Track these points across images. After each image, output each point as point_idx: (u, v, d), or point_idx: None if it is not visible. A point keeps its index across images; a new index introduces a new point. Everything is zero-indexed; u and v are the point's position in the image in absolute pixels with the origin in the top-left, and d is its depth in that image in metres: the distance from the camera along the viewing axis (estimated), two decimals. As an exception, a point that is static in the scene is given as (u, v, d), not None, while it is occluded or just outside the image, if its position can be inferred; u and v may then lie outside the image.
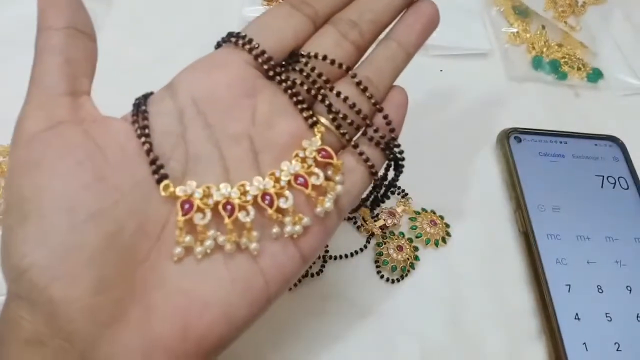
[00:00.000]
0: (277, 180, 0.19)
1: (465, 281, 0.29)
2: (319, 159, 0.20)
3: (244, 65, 0.20)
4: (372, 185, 0.23)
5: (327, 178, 0.20)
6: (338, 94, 0.21)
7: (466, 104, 0.38)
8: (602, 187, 0.33)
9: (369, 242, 0.30)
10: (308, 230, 0.20)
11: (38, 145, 0.17)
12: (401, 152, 0.24)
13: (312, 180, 0.19)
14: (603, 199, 0.32)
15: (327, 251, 0.29)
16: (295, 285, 0.28)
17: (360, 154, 0.21)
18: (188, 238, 0.18)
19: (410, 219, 0.31)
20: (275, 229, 0.19)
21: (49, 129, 0.17)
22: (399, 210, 0.31)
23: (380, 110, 0.22)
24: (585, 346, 0.26)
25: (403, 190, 0.32)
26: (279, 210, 0.19)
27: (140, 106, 0.19)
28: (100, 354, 0.16)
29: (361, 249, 0.30)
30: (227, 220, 0.18)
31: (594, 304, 0.28)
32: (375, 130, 0.22)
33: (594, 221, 0.31)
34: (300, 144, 0.20)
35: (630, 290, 0.28)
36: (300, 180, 0.19)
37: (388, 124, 0.22)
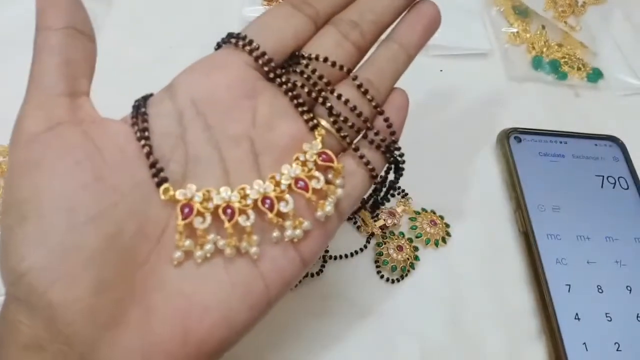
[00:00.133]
0: (278, 183, 0.19)
1: (465, 281, 0.29)
2: (320, 162, 0.20)
3: (244, 66, 0.20)
4: (372, 188, 0.23)
5: (327, 181, 0.20)
6: (339, 97, 0.21)
7: (466, 104, 0.38)
8: (602, 187, 0.33)
9: (369, 242, 0.30)
10: (308, 234, 0.19)
11: (37, 145, 0.17)
12: (401, 155, 0.24)
13: (313, 184, 0.19)
14: (603, 199, 0.32)
15: (327, 251, 0.29)
16: (296, 285, 0.28)
17: (361, 157, 0.21)
18: (188, 242, 0.18)
19: (410, 219, 0.31)
20: (275, 233, 0.19)
21: (48, 129, 0.17)
22: (399, 210, 0.31)
23: (381, 113, 0.22)
24: (585, 346, 0.26)
25: (403, 190, 0.32)
26: (279, 214, 0.19)
27: (140, 108, 0.19)
28: (100, 356, 0.16)
29: (361, 249, 0.30)
30: (227, 224, 0.18)
31: (594, 304, 0.28)
32: (376, 133, 0.22)
33: (594, 221, 0.31)
34: (301, 146, 0.20)
35: (630, 290, 0.28)
36: (301, 184, 0.19)
37: (389, 126, 0.22)
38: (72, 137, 0.17)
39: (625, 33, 0.44)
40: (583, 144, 0.35)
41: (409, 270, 0.29)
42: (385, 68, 0.23)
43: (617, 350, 0.26)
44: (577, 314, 0.27)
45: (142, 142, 0.18)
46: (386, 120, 0.22)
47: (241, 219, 0.18)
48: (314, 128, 0.21)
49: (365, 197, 0.26)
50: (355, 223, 0.31)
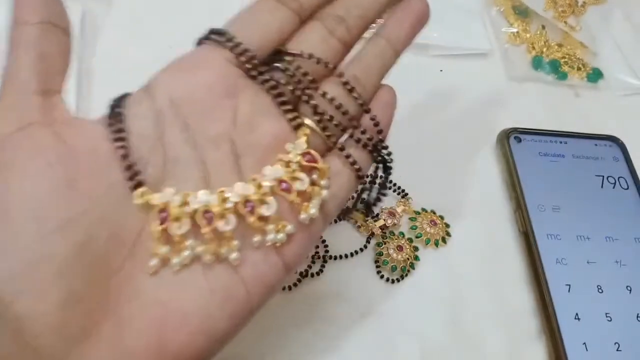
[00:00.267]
0: (259, 186, 0.18)
1: (465, 281, 0.29)
2: (304, 162, 0.19)
3: (225, 63, 0.20)
4: (361, 188, 0.23)
5: (312, 182, 0.19)
6: (324, 95, 0.21)
7: (466, 104, 0.38)
8: (602, 187, 0.33)
9: (369, 242, 0.30)
10: (292, 238, 0.19)
11: (7, 146, 0.16)
12: (389, 154, 0.23)
13: (296, 185, 0.19)
14: (603, 199, 0.32)
15: (327, 251, 0.29)
16: (295, 285, 0.28)
17: (347, 156, 0.21)
18: (164, 249, 0.17)
19: (410, 219, 0.31)
20: (256, 238, 0.18)
21: (19, 130, 0.16)
22: (399, 210, 0.31)
23: (368, 111, 0.21)
24: (585, 346, 0.26)
25: (403, 190, 0.32)
26: (261, 217, 0.18)
27: (116, 108, 0.19)
28: None
29: (361, 249, 0.30)
30: (205, 229, 0.17)
31: (594, 304, 0.28)
32: (363, 132, 0.21)
33: (594, 221, 0.31)
34: (284, 146, 0.19)
35: (630, 290, 0.28)
36: (284, 185, 0.19)
37: (376, 125, 0.22)
38: (44, 138, 0.17)
39: (625, 33, 0.44)
40: (583, 144, 0.35)
41: (409, 270, 0.29)
42: (372, 64, 0.22)
43: (617, 350, 0.26)
44: (577, 314, 0.27)
45: (118, 143, 0.17)
46: (373, 118, 0.21)
47: (220, 224, 0.17)
48: (297, 127, 0.20)
49: (355, 199, 0.26)
50: (355, 223, 0.31)
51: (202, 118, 0.19)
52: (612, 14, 0.45)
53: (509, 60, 0.41)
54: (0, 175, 0.16)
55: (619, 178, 0.33)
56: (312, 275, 0.29)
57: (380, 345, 0.27)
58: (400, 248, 0.30)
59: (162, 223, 0.17)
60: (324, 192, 0.19)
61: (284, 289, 0.28)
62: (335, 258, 0.29)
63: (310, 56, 0.20)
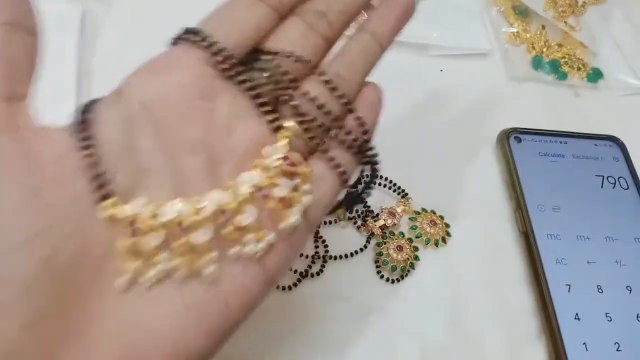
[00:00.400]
0: (236, 193, 0.17)
1: (465, 281, 0.29)
2: (285, 167, 0.18)
3: (200, 64, 0.19)
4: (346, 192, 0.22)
5: (294, 188, 0.18)
6: (305, 94, 0.19)
7: (466, 104, 0.38)
8: (602, 187, 0.33)
9: (369, 242, 0.30)
10: (273, 247, 0.18)
11: None
12: (375, 155, 0.22)
13: (276, 191, 0.18)
14: (603, 199, 0.32)
15: (327, 251, 0.29)
16: (295, 285, 0.28)
17: (331, 159, 0.20)
18: (134, 264, 0.16)
19: (410, 219, 0.31)
20: (234, 249, 0.17)
21: None
22: (399, 210, 0.31)
23: (352, 110, 0.20)
24: (585, 346, 0.26)
25: (403, 190, 0.32)
26: (239, 227, 0.17)
27: (85, 113, 0.17)
28: None
29: (361, 249, 0.30)
30: (179, 241, 0.16)
31: (594, 304, 0.28)
32: (347, 133, 0.20)
33: (594, 221, 0.31)
34: (264, 150, 0.18)
35: (630, 290, 0.28)
36: (262, 192, 0.17)
37: (361, 125, 0.20)
38: (7, 146, 0.15)
39: (625, 33, 0.44)
40: (583, 144, 0.35)
41: (409, 270, 0.29)
42: (356, 61, 0.21)
43: (617, 350, 0.26)
44: (577, 314, 0.27)
45: (85, 152, 0.16)
46: (358, 118, 0.20)
47: (195, 235, 0.16)
48: (278, 130, 0.19)
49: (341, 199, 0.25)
50: (355, 223, 0.31)
51: (176, 122, 0.18)
52: (612, 14, 0.45)
53: (509, 60, 0.41)
54: None
55: (619, 178, 0.33)
56: (312, 275, 0.29)
57: (380, 345, 0.27)
58: (400, 248, 0.30)
59: (131, 237, 0.16)
60: (306, 198, 0.18)
61: (284, 289, 0.28)
62: (335, 258, 0.29)
63: (290, 54, 0.19)
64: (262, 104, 0.19)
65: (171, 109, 0.18)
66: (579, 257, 0.29)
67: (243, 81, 0.19)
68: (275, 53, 0.20)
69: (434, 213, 0.32)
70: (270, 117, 0.19)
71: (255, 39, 0.20)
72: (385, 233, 0.30)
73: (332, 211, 0.29)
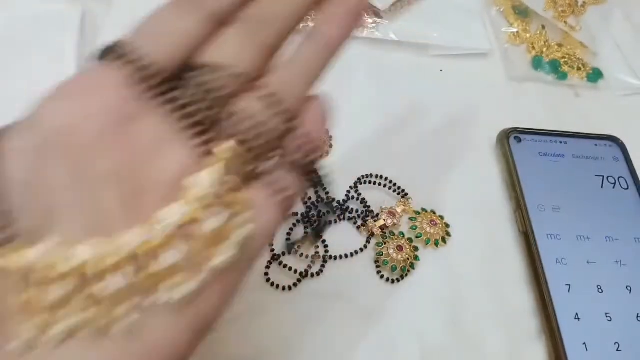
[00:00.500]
0: (157, 231, 0.15)
1: (465, 281, 0.29)
2: (219, 196, 0.16)
3: (122, 84, 0.16)
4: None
5: (229, 218, 0.16)
6: (243, 111, 0.17)
7: (466, 104, 0.38)
8: (602, 187, 0.33)
9: (369, 242, 0.30)
10: (204, 289, 0.15)
11: None
12: (323, 176, 0.20)
13: (206, 226, 0.15)
14: (603, 199, 0.32)
15: (327, 251, 0.29)
16: (295, 285, 0.28)
17: (273, 182, 0.17)
18: (32, 323, 0.13)
19: (410, 219, 0.31)
20: (153, 297, 0.14)
21: None
22: (399, 210, 0.31)
23: (296, 127, 0.18)
24: (585, 346, 0.26)
25: (403, 190, 0.32)
26: (160, 270, 0.14)
27: None
28: None
29: (361, 249, 0.30)
30: (88, 291, 0.14)
31: (594, 304, 0.28)
32: (291, 152, 0.18)
33: (594, 221, 0.31)
34: (192, 179, 0.16)
35: (630, 290, 0.28)
36: (188, 228, 0.15)
37: (305, 142, 0.18)
38: None
39: (625, 33, 0.44)
40: (583, 144, 0.35)
41: (409, 270, 0.29)
42: (301, 70, 0.19)
43: (617, 350, 0.26)
44: (577, 314, 0.27)
45: None
46: (302, 135, 0.18)
47: (108, 283, 0.14)
48: (210, 153, 0.16)
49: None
50: (355, 223, 0.31)
51: (92, 152, 0.15)
52: (612, 14, 0.45)
53: (509, 60, 0.41)
54: None
55: (619, 178, 0.33)
56: (312, 275, 0.29)
57: (380, 345, 0.27)
58: (400, 248, 0.30)
59: (28, 289, 0.14)
60: (244, 230, 0.16)
61: (283, 288, 0.28)
62: (335, 258, 0.29)
63: (226, 67, 0.17)
64: (193, 125, 0.17)
65: (86, 137, 0.15)
66: (579, 257, 0.29)
67: (171, 100, 0.17)
68: (209, 66, 0.17)
69: (434, 213, 0.32)
70: (201, 139, 0.17)
71: (188, 51, 0.17)
72: (385, 233, 0.30)
73: (294, 246, 0.27)
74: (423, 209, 0.32)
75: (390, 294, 0.29)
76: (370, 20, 0.40)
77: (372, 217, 0.31)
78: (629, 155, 0.34)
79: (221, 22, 0.18)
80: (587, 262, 0.29)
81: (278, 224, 0.18)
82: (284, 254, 0.29)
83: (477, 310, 0.28)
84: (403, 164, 0.34)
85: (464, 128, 0.36)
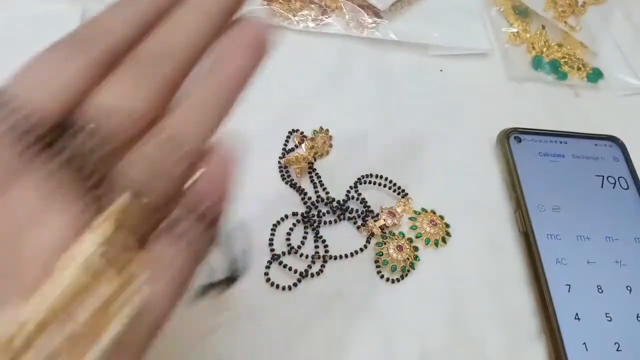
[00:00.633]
0: (32, 313, 0.12)
1: (465, 281, 0.29)
2: (110, 260, 0.13)
3: None
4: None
5: (121, 286, 0.13)
6: (137, 160, 0.15)
7: (466, 104, 0.38)
8: (602, 187, 0.33)
9: (369, 242, 0.30)
10: None
11: None
12: (226, 234, 0.18)
13: (91, 302, 0.13)
14: (603, 199, 0.32)
15: (327, 251, 0.29)
16: (295, 285, 0.28)
17: (177, 237, 0.15)
18: None
19: (410, 219, 0.31)
20: None
21: None
22: (399, 210, 0.31)
23: (195, 177, 0.16)
24: (585, 346, 0.26)
25: (403, 190, 0.32)
26: None
27: None
28: None
29: (361, 249, 0.30)
30: None
31: (594, 304, 0.28)
32: (194, 202, 0.16)
33: (594, 221, 0.31)
34: (76, 245, 0.13)
35: (630, 290, 0.28)
36: (74, 303, 0.13)
37: (207, 193, 0.16)
38: None
39: (625, 33, 0.44)
40: (583, 144, 0.35)
41: (409, 270, 0.29)
42: (203, 110, 0.17)
43: (617, 350, 0.26)
44: (577, 314, 0.27)
45: None
46: (205, 183, 0.16)
47: None
48: (100, 213, 0.14)
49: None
50: (355, 223, 0.31)
51: None
52: (612, 14, 0.45)
53: (509, 60, 0.41)
54: None
55: (619, 178, 0.33)
56: (312, 275, 0.29)
57: (380, 345, 0.27)
58: (400, 248, 0.30)
59: None
60: (134, 302, 0.13)
61: (283, 288, 0.28)
62: (335, 258, 0.29)
63: (119, 111, 0.15)
64: (82, 181, 0.14)
65: None
66: (579, 257, 0.29)
67: (55, 154, 0.14)
68: (100, 111, 0.15)
69: (434, 213, 0.32)
70: (91, 195, 0.14)
71: (76, 98, 0.15)
72: (385, 233, 0.30)
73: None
74: (423, 209, 0.32)
75: (390, 294, 0.29)
76: (370, 20, 0.40)
77: (372, 217, 0.31)
78: (629, 155, 0.34)
79: (113, 61, 0.16)
80: (587, 262, 0.29)
81: (182, 286, 0.15)
82: (283, 254, 0.29)
83: (477, 310, 0.28)
84: (403, 164, 0.34)
85: (464, 128, 0.36)
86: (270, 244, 0.29)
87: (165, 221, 0.16)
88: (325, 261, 0.29)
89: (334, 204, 0.31)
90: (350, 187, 0.32)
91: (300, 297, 0.28)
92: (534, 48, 0.42)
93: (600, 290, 0.28)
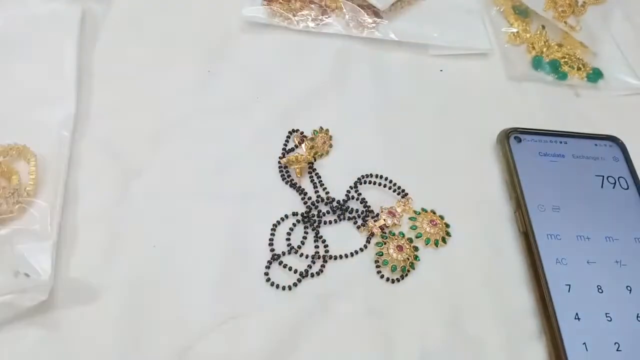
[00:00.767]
0: None
1: (465, 281, 0.29)
2: None
3: None
4: None
5: None
6: None
7: (466, 104, 0.38)
8: (602, 187, 0.33)
9: (369, 242, 0.30)
10: None
11: None
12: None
13: None
14: (603, 199, 0.32)
15: (327, 251, 0.29)
16: (295, 285, 0.28)
17: None
18: None
19: (410, 218, 0.31)
20: None
21: None
22: (399, 210, 0.31)
23: None
24: (585, 346, 0.26)
25: (403, 190, 0.32)
26: None
27: None
28: None
29: (361, 249, 0.30)
30: None
31: (594, 304, 0.28)
32: None
33: (594, 221, 0.31)
34: None
35: (630, 290, 0.28)
36: None
37: None
38: None
39: (625, 33, 0.44)
40: (583, 144, 0.35)
41: (409, 270, 0.29)
42: None
43: (617, 350, 0.26)
44: (577, 314, 0.27)
45: None
46: None
47: None
48: None
49: None
50: (355, 223, 0.31)
51: None
52: (612, 14, 0.45)
53: (509, 60, 0.41)
54: None
55: (619, 178, 0.33)
56: (312, 275, 0.29)
57: (380, 345, 0.27)
58: (400, 248, 0.30)
59: None
60: None
61: (283, 288, 0.28)
62: (335, 258, 0.29)
63: None
64: None
65: None
66: (579, 257, 0.29)
67: None
68: None
69: (434, 213, 0.32)
70: None
71: None
72: (385, 233, 0.30)
73: None
74: (423, 209, 0.32)
75: (390, 294, 0.29)
76: (370, 20, 0.40)
77: (372, 217, 0.31)
78: (629, 155, 0.34)
79: None
80: (587, 262, 0.29)
81: None
82: (283, 254, 0.29)
83: (477, 310, 0.28)
84: (403, 164, 0.34)
85: (464, 128, 0.36)
86: (270, 244, 0.29)
87: None
88: (325, 261, 0.29)
89: (334, 204, 0.31)
90: (350, 187, 0.32)
91: (300, 297, 0.28)
92: (534, 48, 0.42)
93: (600, 290, 0.28)
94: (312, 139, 0.34)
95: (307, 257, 0.29)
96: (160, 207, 0.30)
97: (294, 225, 0.30)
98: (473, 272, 0.30)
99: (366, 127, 0.36)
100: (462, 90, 0.39)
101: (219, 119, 0.35)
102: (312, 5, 0.41)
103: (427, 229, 0.31)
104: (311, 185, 0.32)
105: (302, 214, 0.31)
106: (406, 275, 0.29)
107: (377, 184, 0.32)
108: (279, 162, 0.33)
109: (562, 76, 0.40)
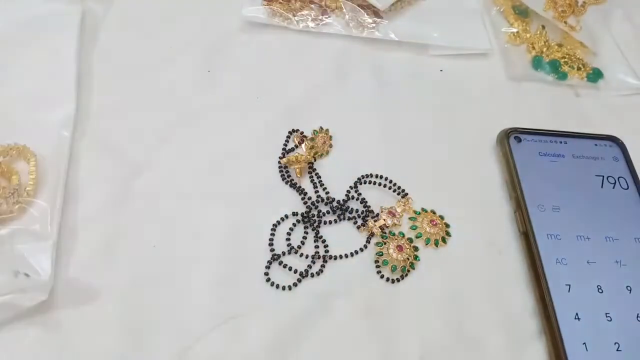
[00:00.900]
0: None
1: (465, 281, 0.29)
2: None
3: None
4: None
5: None
6: None
7: (466, 104, 0.38)
8: (602, 187, 0.33)
9: (369, 242, 0.30)
10: None
11: None
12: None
13: None
14: (603, 199, 0.32)
15: (327, 251, 0.29)
16: (295, 285, 0.28)
17: None
18: None
19: (410, 218, 0.31)
20: None
21: None
22: (399, 210, 0.31)
23: None
24: (585, 346, 0.26)
25: (403, 190, 0.32)
26: None
27: None
28: None
29: (361, 249, 0.30)
30: None
31: (594, 304, 0.28)
32: None
33: (594, 221, 0.31)
34: None
35: (630, 290, 0.28)
36: None
37: None
38: None
39: (625, 33, 0.44)
40: (583, 144, 0.35)
41: (409, 270, 0.29)
42: None
43: (617, 350, 0.26)
44: (577, 314, 0.27)
45: None
46: None
47: None
48: None
49: None
50: (355, 223, 0.31)
51: None
52: (612, 14, 0.45)
53: (508, 60, 0.41)
54: None
55: (619, 178, 0.33)
56: (312, 275, 0.29)
57: (380, 345, 0.27)
58: (400, 248, 0.30)
59: None
60: None
61: (283, 288, 0.28)
62: (335, 258, 0.29)
63: None
64: None
65: None
66: (579, 257, 0.29)
67: None
68: None
69: (434, 213, 0.32)
70: None
71: None
72: (385, 233, 0.30)
73: None
74: (423, 209, 0.32)
75: (390, 294, 0.29)
76: (370, 20, 0.40)
77: (372, 217, 0.31)
78: (629, 155, 0.34)
79: None
80: (587, 262, 0.29)
81: None
82: (283, 254, 0.29)
83: (477, 310, 0.28)
84: (403, 164, 0.34)
85: (464, 128, 0.36)
86: (270, 244, 0.29)
87: None
88: (325, 261, 0.29)
89: (334, 204, 0.31)
90: (350, 187, 0.32)
91: (300, 297, 0.28)
92: (533, 48, 0.42)
93: (600, 290, 0.28)
94: (312, 139, 0.34)
95: (307, 257, 0.29)
96: (160, 207, 0.30)
97: (294, 225, 0.30)
98: (473, 272, 0.30)
99: (366, 127, 0.36)
100: (462, 90, 0.39)
101: (218, 119, 0.35)
102: (312, 5, 0.41)
103: (427, 229, 0.31)
104: (311, 185, 0.32)
105: (302, 214, 0.31)
106: (406, 275, 0.29)
107: (377, 184, 0.32)
108: (279, 162, 0.33)
109: (562, 76, 0.40)
